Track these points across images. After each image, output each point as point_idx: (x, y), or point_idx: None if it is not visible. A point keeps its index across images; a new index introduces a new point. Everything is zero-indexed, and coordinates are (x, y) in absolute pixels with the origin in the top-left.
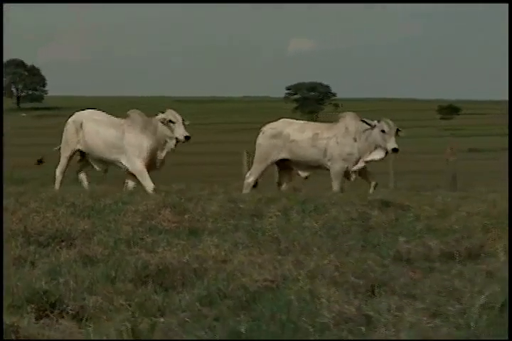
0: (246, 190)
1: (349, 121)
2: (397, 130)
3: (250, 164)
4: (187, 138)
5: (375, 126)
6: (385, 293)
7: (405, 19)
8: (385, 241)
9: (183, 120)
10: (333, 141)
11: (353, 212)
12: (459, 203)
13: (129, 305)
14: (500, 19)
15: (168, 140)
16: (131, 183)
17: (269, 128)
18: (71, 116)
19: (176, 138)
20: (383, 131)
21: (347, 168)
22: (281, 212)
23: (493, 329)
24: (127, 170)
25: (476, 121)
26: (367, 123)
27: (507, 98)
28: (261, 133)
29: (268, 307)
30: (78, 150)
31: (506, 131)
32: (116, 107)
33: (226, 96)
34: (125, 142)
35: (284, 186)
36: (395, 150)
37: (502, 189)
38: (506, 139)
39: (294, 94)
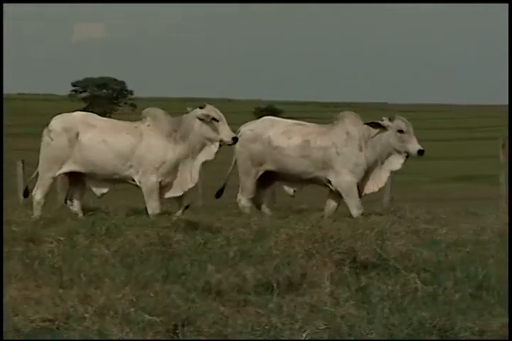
0: (247, 213)
1: (350, 126)
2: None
3: (25, 175)
4: (235, 139)
5: (388, 126)
6: (191, 333)
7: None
8: (191, 271)
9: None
10: (333, 151)
11: (153, 235)
12: (279, 224)
13: None
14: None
15: (209, 143)
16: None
17: (246, 130)
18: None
19: (221, 141)
20: (401, 131)
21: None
22: (64, 236)
23: None
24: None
25: None
26: (379, 125)
27: (336, 100)
28: (238, 137)
29: None
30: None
31: None
32: None
33: None
34: (142, 150)
35: (264, 207)
36: (420, 152)
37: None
38: None
39: (82, 92)
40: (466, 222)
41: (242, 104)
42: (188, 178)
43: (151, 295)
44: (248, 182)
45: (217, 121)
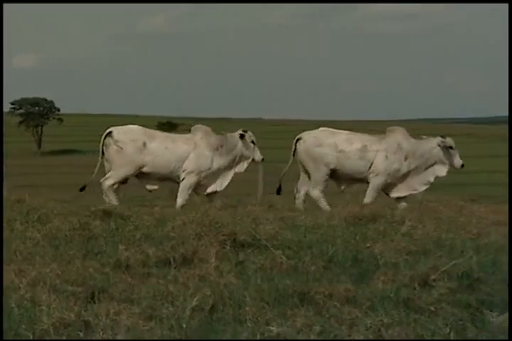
0: (323, 203)
1: (401, 138)
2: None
3: None
4: (262, 160)
5: (441, 142)
6: (105, 299)
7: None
8: (106, 250)
9: None
10: (382, 155)
11: (75, 222)
12: (176, 213)
13: None
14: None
15: (243, 159)
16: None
17: (310, 137)
18: (108, 135)
19: (253, 160)
20: (451, 148)
21: (387, 182)
22: (5, 223)
23: (203, 329)
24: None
25: None
26: (448, 146)
27: (227, 116)
28: (300, 142)
29: None
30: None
31: None
32: None
33: None
34: (194, 155)
35: (301, 195)
36: (462, 166)
37: (215, 198)
38: None
39: (19, 109)
40: (320, 210)
41: (147, 119)
42: (221, 183)
43: (74, 269)
44: (320, 178)
45: (254, 144)
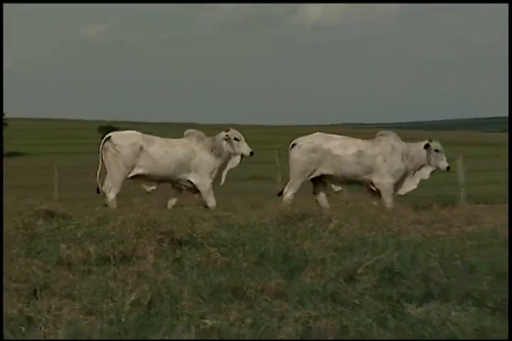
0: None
1: (394, 142)
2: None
3: None
4: (251, 153)
5: (428, 145)
6: (47, 295)
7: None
8: (48, 248)
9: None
10: (380, 159)
11: (19, 221)
12: (117, 212)
13: None
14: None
15: (232, 156)
16: (174, 200)
17: (305, 143)
18: (107, 139)
19: (242, 154)
20: (437, 151)
21: (395, 183)
22: None
23: (141, 323)
24: (190, 187)
25: None
26: (427, 145)
27: (162, 120)
28: (296, 147)
29: None
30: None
31: None
32: None
33: None
34: (197, 160)
35: (321, 195)
36: (448, 168)
37: (154, 199)
38: None
39: None
40: (254, 210)
41: (88, 124)
42: (220, 180)
43: (17, 267)
44: (298, 182)
45: (238, 140)
